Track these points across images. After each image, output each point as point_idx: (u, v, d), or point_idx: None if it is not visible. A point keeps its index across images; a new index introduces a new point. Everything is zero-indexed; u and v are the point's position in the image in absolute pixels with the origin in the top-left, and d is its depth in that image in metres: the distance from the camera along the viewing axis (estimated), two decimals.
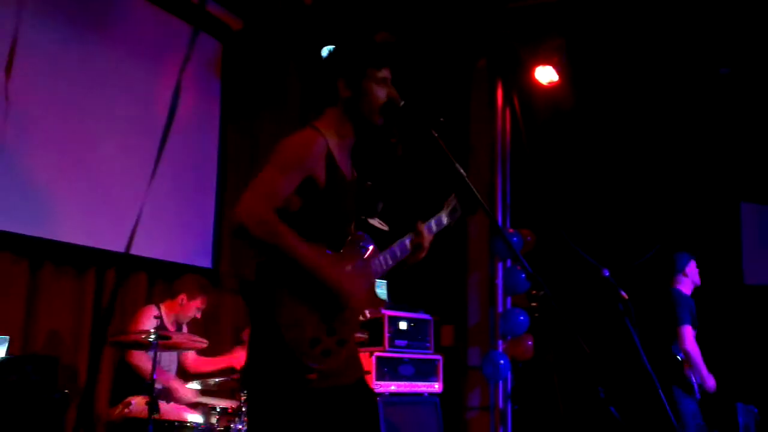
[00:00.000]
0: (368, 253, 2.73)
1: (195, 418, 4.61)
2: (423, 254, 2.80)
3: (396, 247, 2.77)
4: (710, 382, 5.32)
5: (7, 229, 4.67)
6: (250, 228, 2.38)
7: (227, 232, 6.15)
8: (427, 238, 2.81)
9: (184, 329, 5.11)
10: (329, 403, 2.51)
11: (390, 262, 2.74)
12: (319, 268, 2.47)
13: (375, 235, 2.87)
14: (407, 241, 2.78)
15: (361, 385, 2.69)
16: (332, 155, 2.58)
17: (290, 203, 2.52)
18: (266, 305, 2.44)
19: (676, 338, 5.32)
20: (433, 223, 2.89)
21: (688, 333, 5.30)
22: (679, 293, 5.49)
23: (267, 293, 2.45)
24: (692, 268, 5.59)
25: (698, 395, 5.32)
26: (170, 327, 4.96)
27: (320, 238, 2.56)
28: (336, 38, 2.71)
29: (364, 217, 2.87)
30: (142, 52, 5.75)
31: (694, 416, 5.35)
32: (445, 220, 2.93)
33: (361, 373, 2.72)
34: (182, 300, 4.94)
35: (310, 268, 2.45)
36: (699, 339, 5.46)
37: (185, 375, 5.13)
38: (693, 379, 5.29)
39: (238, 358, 5.01)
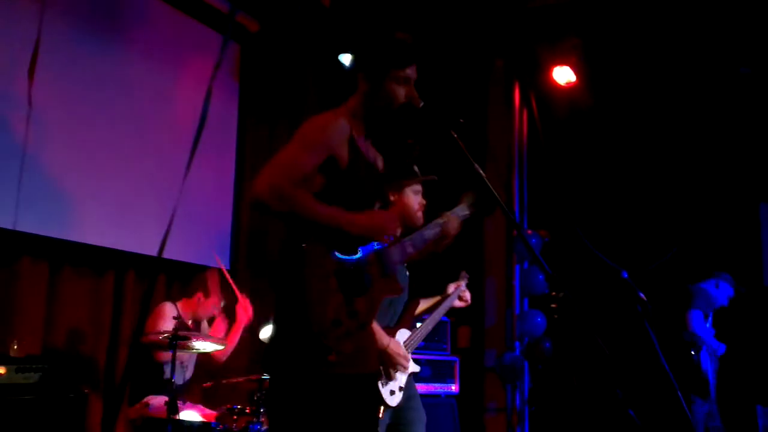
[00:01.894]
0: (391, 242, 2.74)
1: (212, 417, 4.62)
2: (448, 241, 2.96)
3: (416, 235, 2.84)
4: (720, 349, 5.33)
5: (28, 231, 4.71)
6: (265, 198, 2.41)
7: (247, 207, 6.17)
8: (453, 224, 2.96)
9: (204, 326, 5.13)
10: (351, 390, 2.52)
11: (410, 250, 2.77)
12: (342, 219, 2.47)
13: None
14: (431, 231, 2.87)
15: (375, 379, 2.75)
16: (354, 139, 2.60)
17: (313, 182, 2.53)
18: (293, 283, 2.45)
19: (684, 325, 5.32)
20: (457, 210, 3.06)
21: (696, 316, 5.29)
22: (699, 288, 5.47)
23: (294, 271, 2.45)
24: (726, 289, 5.58)
25: (713, 394, 5.29)
26: (189, 325, 4.99)
27: None
28: (357, 38, 2.71)
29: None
30: (162, 55, 5.80)
31: (707, 417, 5.33)
32: (466, 210, 3.10)
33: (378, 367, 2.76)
34: (199, 298, 4.97)
35: (333, 224, 2.46)
36: (720, 340, 5.43)
37: (210, 371, 5.13)
38: (710, 375, 5.25)
39: (244, 313, 5.02)
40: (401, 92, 2.61)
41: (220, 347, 4.73)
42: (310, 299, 2.42)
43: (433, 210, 2.96)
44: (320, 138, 2.53)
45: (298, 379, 2.45)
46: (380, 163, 2.83)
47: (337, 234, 2.46)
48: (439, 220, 2.98)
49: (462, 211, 3.08)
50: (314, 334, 2.40)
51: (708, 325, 5.49)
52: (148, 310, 4.82)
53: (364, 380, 2.61)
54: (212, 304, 4.99)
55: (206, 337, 4.61)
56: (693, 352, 5.29)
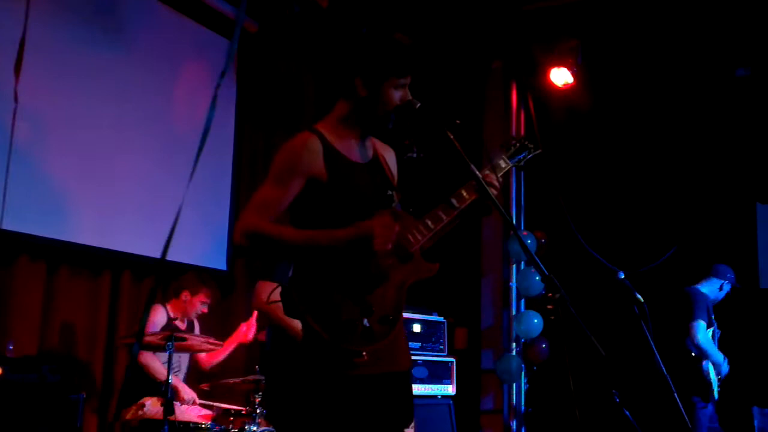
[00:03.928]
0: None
1: (208, 418, 4.62)
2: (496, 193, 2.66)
3: (438, 209, 2.64)
4: (724, 367, 5.32)
5: (24, 231, 4.70)
6: (239, 241, 2.45)
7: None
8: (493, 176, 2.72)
9: (196, 326, 5.14)
10: (377, 391, 2.49)
11: (432, 226, 2.60)
12: (329, 237, 2.44)
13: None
14: (453, 200, 2.64)
15: (407, 378, 2.65)
16: (332, 148, 2.57)
17: (303, 208, 2.54)
18: (295, 302, 2.43)
19: (688, 334, 5.30)
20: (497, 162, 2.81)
21: (701, 327, 5.28)
22: (697, 291, 5.47)
23: (293, 290, 2.45)
24: (726, 289, 5.58)
25: (716, 396, 5.28)
26: (180, 325, 5.00)
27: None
28: (356, 44, 2.67)
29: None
30: (155, 54, 5.74)
31: (711, 419, 5.33)
32: (503, 163, 2.83)
33: (410, 364, 2.67)
34: (186, 296, 5.00)
35: (319, 244, 2.43)
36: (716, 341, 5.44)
37: (201, 373, 5.14)
38: (712, 376, 5.24)
39: (244, 333, 5.05)
40: (397, 96, 2.60)
41: (214, 349, 4.73)
42: (315, 306, 2.40)
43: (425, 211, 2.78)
44: (289, 167, 2.52)
45: (311, 385, 2.42)
46: (390, 158, 2.79)
47: (325, 252, 2.44)
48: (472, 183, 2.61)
49: (502, 162, 2.79)
50: (326, 341, 2.37)
51: (714, 328, 5.48)
52: (149, 313, 4.83)
53: (392, 379, 2.55)
54: (199, 301, 5.02)
55: (201, 339, 4.61)
56: (693, 353, 5.29)
